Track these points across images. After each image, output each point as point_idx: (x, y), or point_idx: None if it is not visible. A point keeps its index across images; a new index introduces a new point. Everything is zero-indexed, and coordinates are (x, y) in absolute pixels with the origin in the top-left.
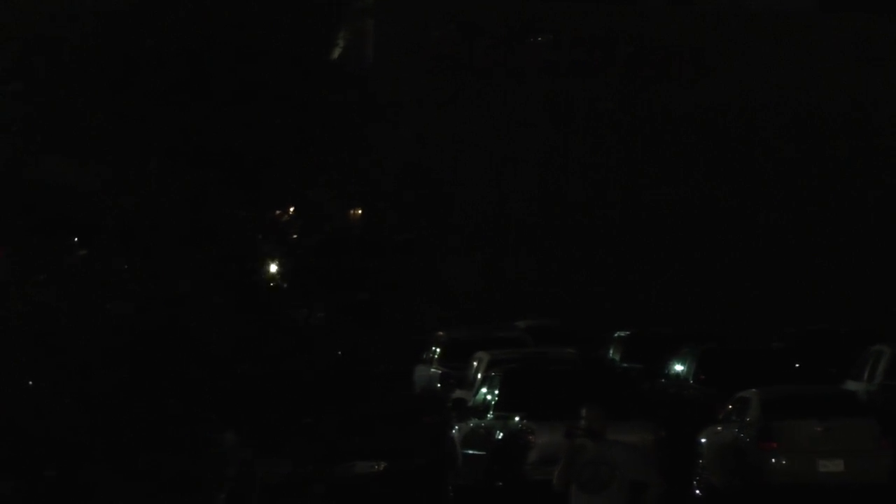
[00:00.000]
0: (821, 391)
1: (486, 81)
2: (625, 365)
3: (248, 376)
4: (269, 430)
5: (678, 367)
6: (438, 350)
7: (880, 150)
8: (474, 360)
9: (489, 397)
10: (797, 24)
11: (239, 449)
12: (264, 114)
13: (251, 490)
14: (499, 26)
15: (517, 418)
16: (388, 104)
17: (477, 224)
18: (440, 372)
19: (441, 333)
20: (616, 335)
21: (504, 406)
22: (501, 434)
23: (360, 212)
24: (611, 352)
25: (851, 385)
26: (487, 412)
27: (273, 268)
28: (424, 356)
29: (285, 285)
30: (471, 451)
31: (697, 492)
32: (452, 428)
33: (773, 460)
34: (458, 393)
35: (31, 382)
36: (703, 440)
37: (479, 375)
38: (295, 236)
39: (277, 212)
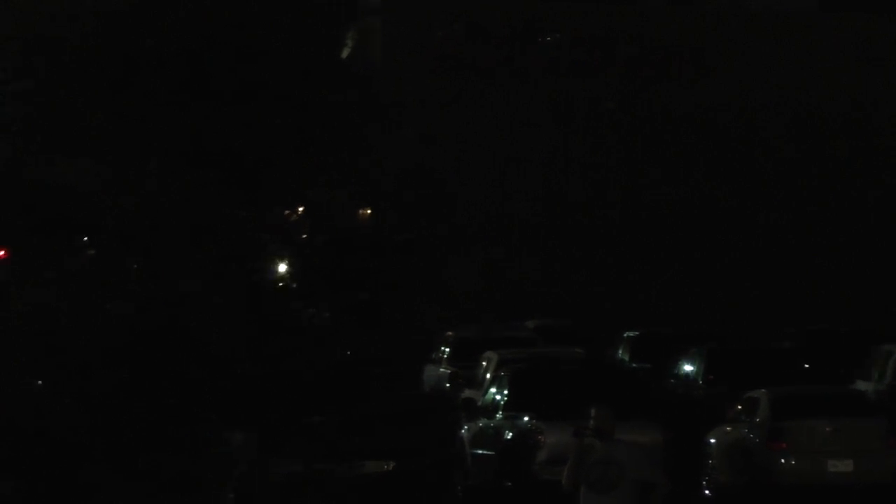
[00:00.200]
0: (830, 391)
1: (488, 82)
2: (634, 365)
3: (251, 376)
4: (275, 429)
5: (687, 367)
6: (447, 349)
7: (880, 150)
8: (483, 360)
9: (498, 397)
10: (797, 24)
11: (247, 448)
12: (264, 114)
13: (260, 489)
14: (500, 27)
15: (526, 418)
16: (390, 104)
17: (479, 224)
18: (449, 371)
19: (450, 333)
20: (625, 335)
21: (513, 406)
22: (510, 434)
23: (368, 211)
24: (619, 352)
25: (861, 385)
26: (496, 412)
27: (282, 268)
28: (433, 356)
29: (294, 285)
30: (480, 451)
31: (706, 492)
32: (462, 428)
33: (783, 460)
34: (467, 392)
35: (39, 382)
36: (712, 440)
37: (489, 375)
38: (304, 236)
39: (287, 212)
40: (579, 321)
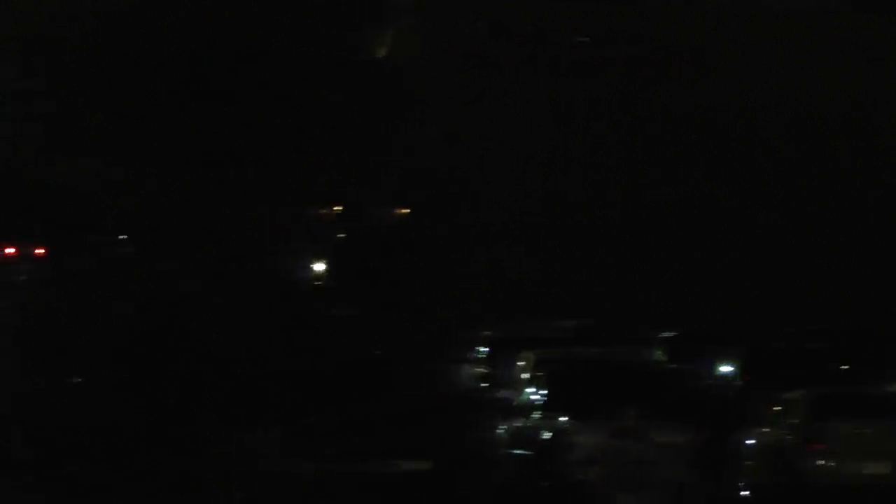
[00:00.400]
0: (867, 392)
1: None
2: (671, 365)
3: (279, 373)
4: (302, 426)
5: (724, 368)
6: (483, 349)
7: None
8: (520, 360)
9: (535, 397)
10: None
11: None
12: (295, 114)
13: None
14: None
15: (562, 418)
16: (419, 101)
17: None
18: (485, 371)
19: (487, 332)
20: (662, 335)
21: (549, 406)
22: (547, 434)
23: (404, 210)
24: (657, 352)
25: None
26: (532, 412)
27: (318, 266)
28: (469, 355)
29: (323, 283)
30: (517, 451)
31: (743, 492)
32: (495, 428)
33: (819, 461)
34: (502, 392)
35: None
36: (748, 441)
37: (525, 375)
38: (341, 235)
39: (322, 210)
40: (612, 321)
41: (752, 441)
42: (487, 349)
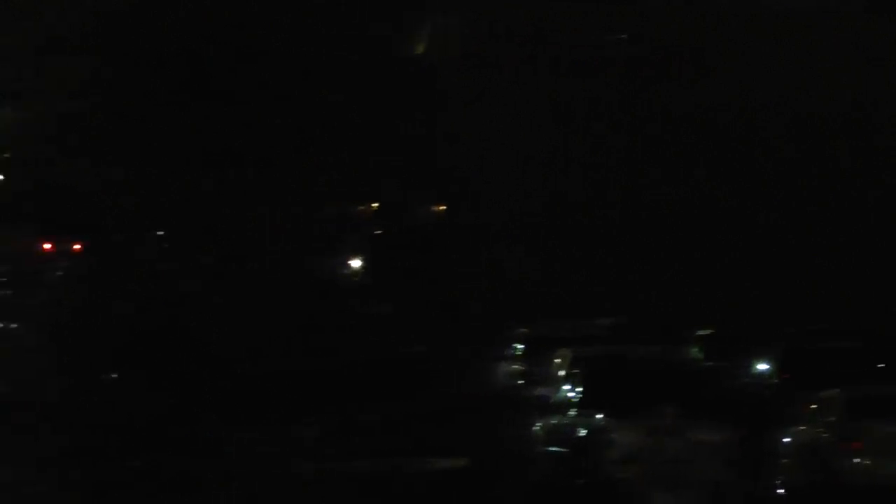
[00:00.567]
0: None
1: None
2: (707, 363)
3: (316, 370)
4: (340, 424)
5: (761, 366)
6: (520, 346)
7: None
8: (557, 357)
9: (571, 394)
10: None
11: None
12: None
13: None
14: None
15: (598, 416)
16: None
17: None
18: (521, 368)
19: (524, 330)
20: (699, 333)
21: (586, 403)
22: (583, 431)
23: (442, 207)
24: (693, 350)
25: None
26: (569, 409)
27: (355, 263)
28: (506, 352)
29: (359, 279)
30: (553, 448)
31: (780, 491)
32: (531, 425)
33: (856, 460)
34: (539, 390)
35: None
36: (785, 439)
37: (562, 372)
38: (377, 232)
39: (360, 207)
40: (649, 319)
41: (788, 440)
42: (523, 346)
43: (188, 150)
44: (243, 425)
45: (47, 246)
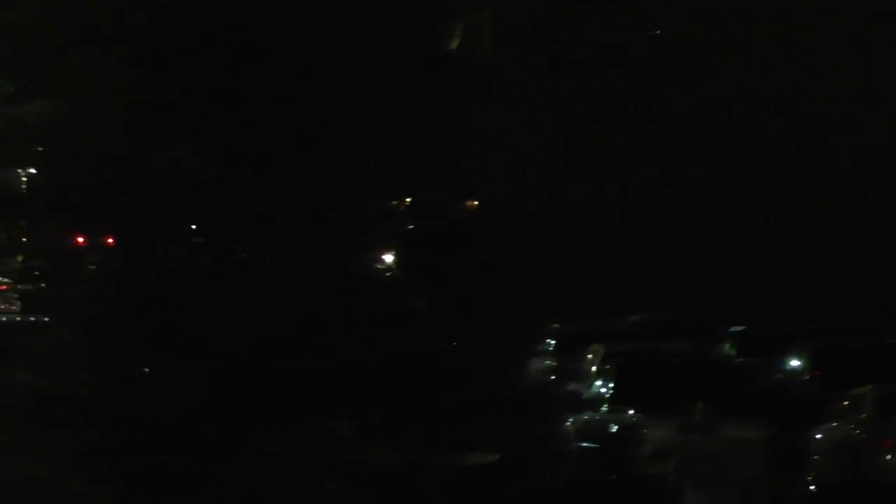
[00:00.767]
0: None
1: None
2: (741, 360)
3: (353, 365)
4: (377, 418)
5: (794, 363)
6: (552, 342)
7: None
8: (589, 353)
9: (603, 390)
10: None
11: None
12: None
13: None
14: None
15: (631, 412)
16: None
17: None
18: (554, 364)
19: (556, 325)
20: (732, 330)
21: (618, 399)
22: (615, 427)
23: (475, 203)
24: (727, 347)
25: None
26: (602, 405)
27: (388, 258)
28: (539, 348)
29: (393, 274)
30: (585, 444)
31: (812, 488)
32: (566, 420)
33: (888, 458)
34: (571, 385)
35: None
36: (817, 436)
37: (594, 368)
38: (411, 227)
39: (394, 202)
40: (681, 315)
41: (820, 437)
42: (556, 342)
43: (229, 145)
44: (276, 421)
45: (80, 239)
